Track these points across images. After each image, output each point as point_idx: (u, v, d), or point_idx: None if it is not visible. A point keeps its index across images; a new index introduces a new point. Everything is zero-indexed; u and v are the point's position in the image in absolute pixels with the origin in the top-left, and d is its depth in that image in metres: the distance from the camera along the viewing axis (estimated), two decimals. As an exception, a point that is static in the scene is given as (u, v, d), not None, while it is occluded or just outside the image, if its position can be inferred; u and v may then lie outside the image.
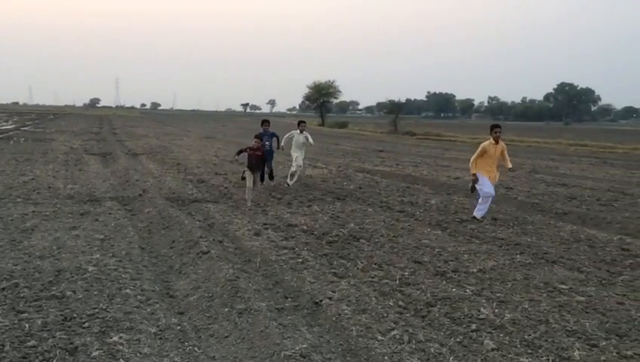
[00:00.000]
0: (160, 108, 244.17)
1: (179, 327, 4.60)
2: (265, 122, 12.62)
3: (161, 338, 4.31)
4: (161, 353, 4.05)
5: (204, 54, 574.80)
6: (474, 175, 9.38)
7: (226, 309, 4.92)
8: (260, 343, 4.19)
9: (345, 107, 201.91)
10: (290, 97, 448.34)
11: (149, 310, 4.86)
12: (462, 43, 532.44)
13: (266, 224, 8.62)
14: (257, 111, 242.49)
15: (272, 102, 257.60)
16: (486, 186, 9.21)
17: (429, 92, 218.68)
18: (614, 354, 4.24)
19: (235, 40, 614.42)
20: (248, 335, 4.35)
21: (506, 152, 9.51)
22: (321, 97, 69.56)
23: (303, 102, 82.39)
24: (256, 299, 5.09)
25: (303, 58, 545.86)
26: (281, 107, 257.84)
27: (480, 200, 9.37)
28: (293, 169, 13.00)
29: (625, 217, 9.84)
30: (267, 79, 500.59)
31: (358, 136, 40.82)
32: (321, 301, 5.25)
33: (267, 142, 11.93)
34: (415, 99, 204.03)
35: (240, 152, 10.78)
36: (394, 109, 57.27)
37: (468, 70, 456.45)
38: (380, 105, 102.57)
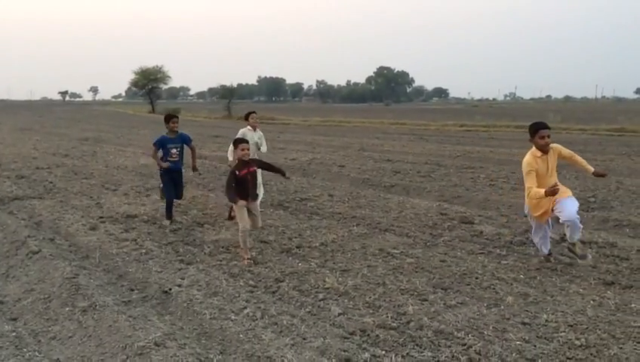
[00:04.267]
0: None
1: (14, 334, 4.25)
2: (171, 118, 7.91)
3: (-6, 348, 3.93)
4: (-4, 364, 3.70)
5: (10, 34, 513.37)
6: (546, 191, 5.45)
7: (67, 309, 4.63)
8: (109, 338, 4.03)
9: (175, 93, 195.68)
10: (114, 83, 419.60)
11: (-25, 320, 4.39)
12: (289, 29, 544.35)
13: (102, 217, 8.15)
14: (78, 99, 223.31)
15: (94, 90, 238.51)
16: (563, 206, 5.62)
17: (259, 76, 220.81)
18: (441, 304, 4.82)
19: (48, 20, 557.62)
20: (96, 332, 4.15)
21: (573, 155, 5.99)
22: (149, 83, 66.29)
23: (129, 88, 77.77)
24: (101, 295, 4.86)
25: (128, 42, 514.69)
26: (105, 94, 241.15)
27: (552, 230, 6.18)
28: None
29: (441, 186, 11.03)
30: (88, 64, 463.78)
31: (192, 123, 39.83)
32: (170, 289, 5.18)
33: (175, 151, 7.83)
34: (247, 84, 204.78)
35: (231, 184, 6.09)
36: (226, 94, 56.68)
37: (296, 55, 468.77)
38: (212, 91, 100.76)
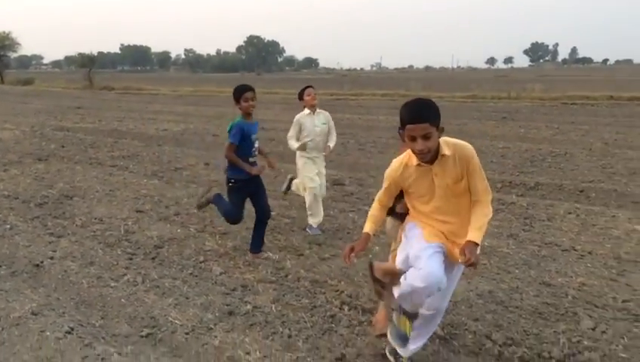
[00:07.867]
0: None
1: None
2: (246, 91, 5.16)
3: None
4: None
5: None
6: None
7: None
8: (-20, 314, 3.88)
9: (27, 62, 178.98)
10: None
11: None
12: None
13: (-46, 195, 7.51)
14: None
15: None
16: (413, 271, 2.88)
17: (122, 44, 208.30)
18: (316, 258, 5.19)
19: None
20: (-36, 309, 3.96)
21: (477, 193, 2.94)
22: (-5, 51, 59.71)
23: (-28, 57, 69.40)
24: (-36, 273, 4.59)
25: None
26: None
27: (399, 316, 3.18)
28: (309, 195, 6.06)
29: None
30: None
31: (49, 93, 36.83)
32: (42, 262, 5.02)
33: (255, 145, 5.22)
34: (108, 52, 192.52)
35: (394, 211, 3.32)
36: (86, 63, 52.74)
37: (162, 22, 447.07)
38: (69, 60, 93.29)
